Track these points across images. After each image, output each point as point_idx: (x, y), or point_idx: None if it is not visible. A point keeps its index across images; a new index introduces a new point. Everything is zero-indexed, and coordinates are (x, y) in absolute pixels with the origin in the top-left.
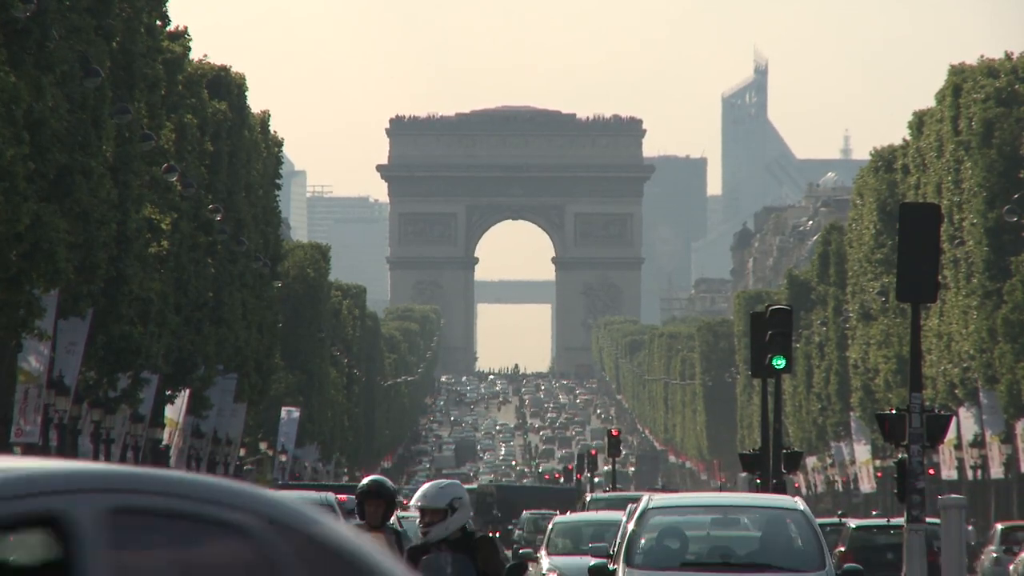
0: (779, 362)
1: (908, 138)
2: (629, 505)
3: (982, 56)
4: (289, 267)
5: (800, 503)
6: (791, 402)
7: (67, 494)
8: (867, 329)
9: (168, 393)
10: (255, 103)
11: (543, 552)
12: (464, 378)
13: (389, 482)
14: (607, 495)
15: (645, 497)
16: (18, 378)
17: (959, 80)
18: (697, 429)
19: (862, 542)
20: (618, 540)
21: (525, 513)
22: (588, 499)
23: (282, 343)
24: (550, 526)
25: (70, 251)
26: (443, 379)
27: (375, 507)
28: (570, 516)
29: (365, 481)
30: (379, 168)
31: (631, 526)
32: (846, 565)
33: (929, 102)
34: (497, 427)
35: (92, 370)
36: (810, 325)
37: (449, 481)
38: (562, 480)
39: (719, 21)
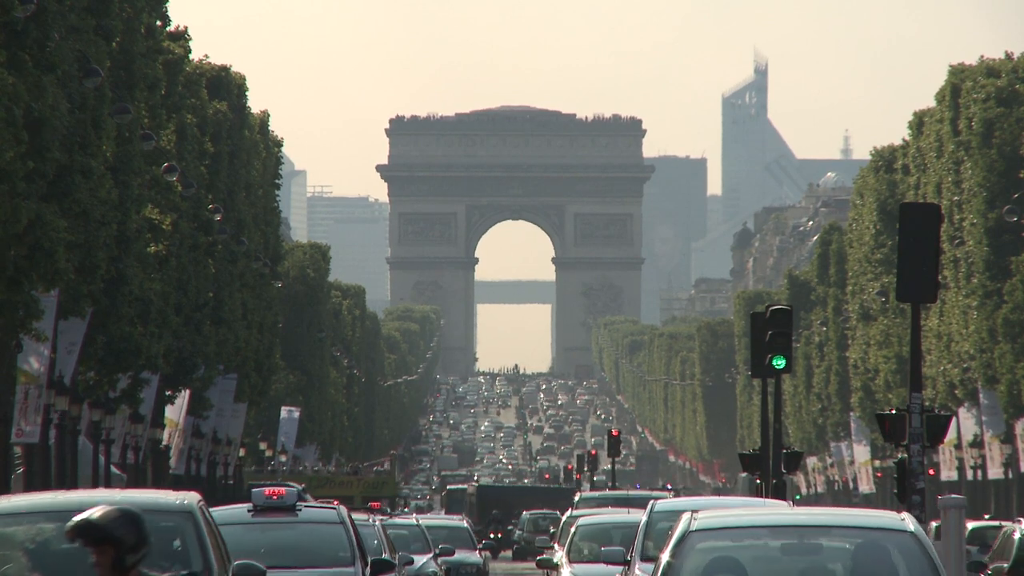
0: (779, 362)
1: (908, 138)
2: (652, 503)
3: (982, 56)
4: (289, 267)
5: (909, 521)
6: (791, 402)
7: None
8: (867, 329)
9: (168, 393)
10: (255, 103)
11: (563, 559)
12: (465, 380)
13: (119, 518)
14: (598, 493)
15: (686, 516)
16: (18, 378)
17: (959, 80)
18: (697, 429)
19: None
20: (635, 547)
21: (525, 513)
22: (577, 498)
23: (282, 343)
24: (572, 528)
25: (70, 251)
26: (449, 379)
27: (101, 555)
28: (597, 517)
29: (74, 521)
30: (379, 168)
31: (666, 557)
32: None
33: (929, 102)
34: (501, 431)
35: (92, 370)
36: (810, 325)
37: None
38: (563, 479)
39: (719, 21)
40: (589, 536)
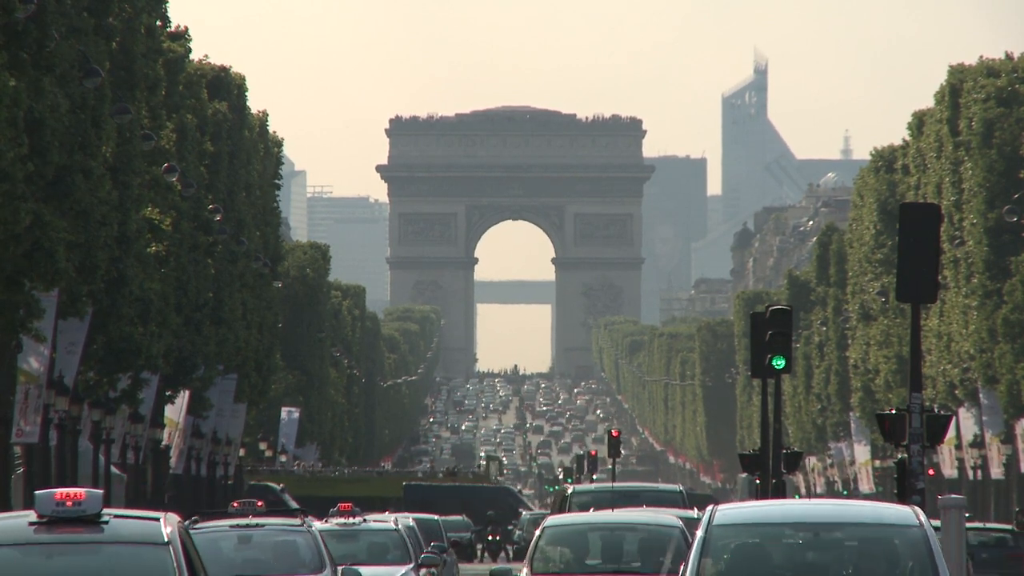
0: (779, 362)
1: (908, 138)
2: (712, 509)
3: (982, 56)
4: (289, 267)
5: None
6: (791, 402)
7: None
8: (867, 329)
9: (168, 393)
10: (255, 103)
11: (525, 570)
12: (466, 381)
13: None
14: (594, 486)
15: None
16: (18, 378)
17: (958, 80)
18: (697, 429)
19: None
20: (688, 571)
21: (525, 514)
22: (570, 491)
23: (282, 343)
24: (538, 531)
25: (70, 251)
26: (442, 384)
27: None
28: (566, 516)
29: None
30: (379, 168)
31: None
32: None
33: (929, 102)
34: (500, 434)
35: (92, 370)
36: (810, 325)
37: None
38: (562, 478)
39: (719, 21)
40: (558, 540)
